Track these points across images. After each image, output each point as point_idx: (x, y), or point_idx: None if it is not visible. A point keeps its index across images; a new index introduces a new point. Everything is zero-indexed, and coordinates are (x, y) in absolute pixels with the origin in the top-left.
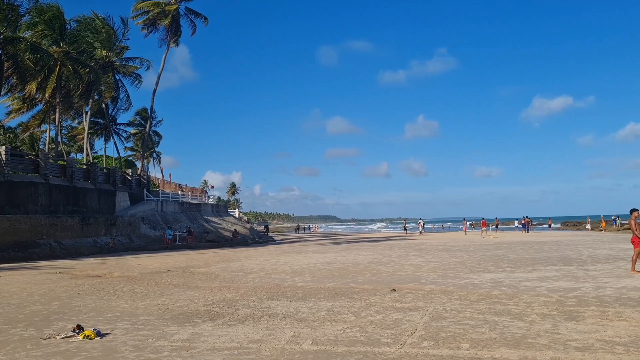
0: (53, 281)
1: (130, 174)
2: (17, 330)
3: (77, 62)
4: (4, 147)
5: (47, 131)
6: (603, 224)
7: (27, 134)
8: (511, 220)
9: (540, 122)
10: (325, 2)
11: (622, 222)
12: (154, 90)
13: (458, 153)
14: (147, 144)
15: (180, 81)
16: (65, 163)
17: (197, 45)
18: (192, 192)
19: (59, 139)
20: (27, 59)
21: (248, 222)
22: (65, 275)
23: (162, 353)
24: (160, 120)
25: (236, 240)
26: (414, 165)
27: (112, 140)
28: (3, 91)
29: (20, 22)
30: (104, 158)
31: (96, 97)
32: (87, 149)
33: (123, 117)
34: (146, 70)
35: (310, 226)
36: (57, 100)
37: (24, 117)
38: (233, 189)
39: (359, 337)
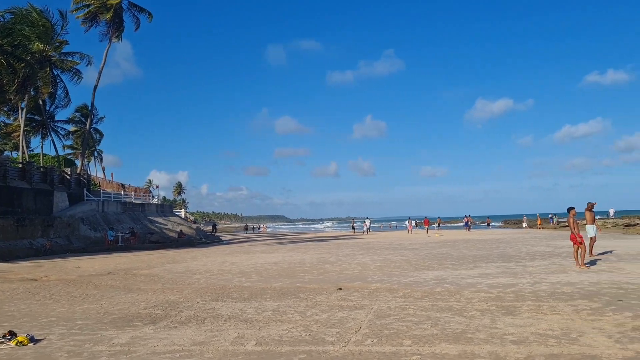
0: None
1: (69, 173)
2: None
3: (11, 56)
4: None
5: None
6: (539, 222)
7: None
8: (455, 219)
9: (482, 124)
10: (273, 1)
11: (560, 220)
12: (95, 87)
13: (405, 153)
14: (88, 142)
15: (123, 77)
16: None
17: (141, 41)
18: (135, 191)
19: None
20: None
21: (195, 223)
22: None
23: (99, 358)
24: (102, 118)
25: (182, 241)
26: (363, 165)
27: (50, 138)
28: None
29: None
30: (41, 156)
31: (32, 92)
32: (22, 147)
33: (62, 114)
34: (87, 65)
35: (259, 226)
36: None
37: None
38: (179, 188)
39: (304, 337)
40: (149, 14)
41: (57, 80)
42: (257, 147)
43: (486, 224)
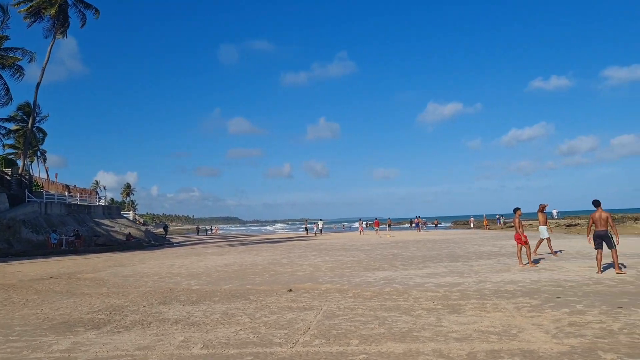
0: None
1: (9, 173)
2: None
3: None
4: None
5: None
6: (485, 222)
7: None
8: (405, 220)
9: (434, 126)
10: (224, 0)
11: (506, 220)
12: (38, 84)
13: (358, 155)
14: (30, 142)
15: (69, 75)
16: None
17: (87, 38)
18: (81, 193)
19: None
20: None
21: (144, 225)
22: None
23: None
24: (46, 116)
25: (130, 244)
26: (316, 167)
27: None
28: None
29: None
30: None
31: None
32: None
33: (2, 112)
34: (29, 62)
35: (211, 228)
36: None
37: None
38: (128, 189)
39: (252, 339)
40: (96, 10)
41: None
42: (209, 147)
43: (433, 225)
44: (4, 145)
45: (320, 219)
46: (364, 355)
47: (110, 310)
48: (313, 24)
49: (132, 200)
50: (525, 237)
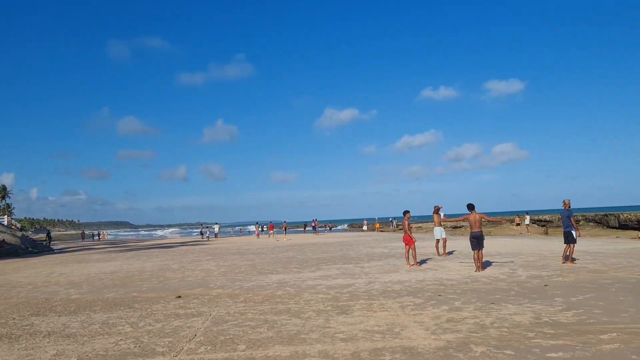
0: None
1: None
2: None
3: None
4: None
5: None
6: (377, 225)
7: None
8: (301, 224)
9: (331, 131)
10: None
11: (398, 223)
12: None
13: (257, 158)
14: None
15: None
16: None
17: None
18: None
19: None
20: None
21: (21, 230)
22: None
23: None
24: None
25: (4, 251)
26: (213, 169)
27: None
28: None
29: None
30: None
31: None
32: None
33: None
34: None
35: (98, 233)
36: None
37: None
38: (3, 192)
39: (132, 349)
40: None
41: None
42: (96, 148)
43: (328, 228)
44: None
45: (216, 223)
46: None
47: None
48: (209, 23)
49: (7, 204)
50: (414, 238)
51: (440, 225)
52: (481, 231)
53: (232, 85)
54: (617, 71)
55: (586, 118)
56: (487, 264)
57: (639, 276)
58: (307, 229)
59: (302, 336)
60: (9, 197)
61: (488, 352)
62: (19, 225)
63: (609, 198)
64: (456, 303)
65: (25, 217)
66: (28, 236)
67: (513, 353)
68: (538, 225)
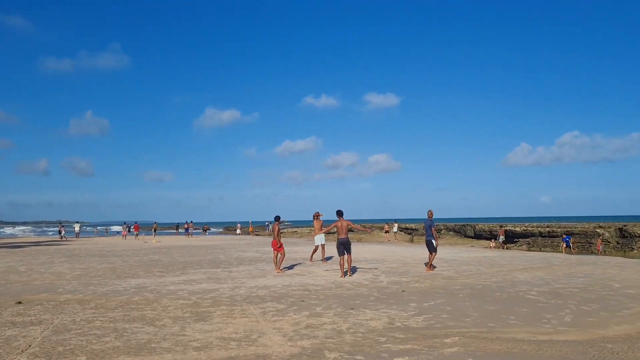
0: None
1: None
2: None
3: None
4: None
5: None
6: (251, 229)
7: None
8: (174, 225)
9: (212, 132)
10: None
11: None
12: None
13: (129, 155)
14: None
15: None
16: None
17: None
18: None
19: None
20: None
21: None
22: None
23: None
24: None
25: None
26: (80, 164)
27: None
28: None
29: None
30: None
31: None
32: None
33: None
34: None
35: None
36: None
37: None
38: None
39: None
40: None
41: None
42: None
43: (203, 231)
44: None
45: (77, 222)
46: None
47: None
48: (81, 5)
49: None
50: (281, 243)
51: (321, 231)
52: (347, 238)
53: (105, 75)
54: (483, 91)
55: (454, 134)
56: (354, 270)
57: (484, 282)
58: (179, 230)
59: (153, 345)
60: None
61: (340, 357)
62: None
63: (469, 209)
64: (317, 309)
65: None
66: None
67: (363, 358)
68: (405, 233)
